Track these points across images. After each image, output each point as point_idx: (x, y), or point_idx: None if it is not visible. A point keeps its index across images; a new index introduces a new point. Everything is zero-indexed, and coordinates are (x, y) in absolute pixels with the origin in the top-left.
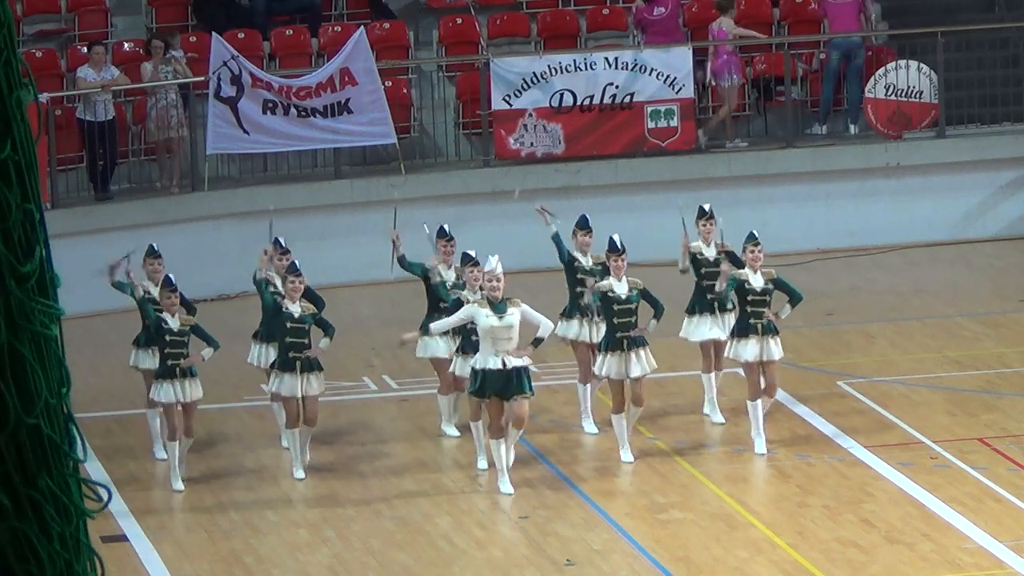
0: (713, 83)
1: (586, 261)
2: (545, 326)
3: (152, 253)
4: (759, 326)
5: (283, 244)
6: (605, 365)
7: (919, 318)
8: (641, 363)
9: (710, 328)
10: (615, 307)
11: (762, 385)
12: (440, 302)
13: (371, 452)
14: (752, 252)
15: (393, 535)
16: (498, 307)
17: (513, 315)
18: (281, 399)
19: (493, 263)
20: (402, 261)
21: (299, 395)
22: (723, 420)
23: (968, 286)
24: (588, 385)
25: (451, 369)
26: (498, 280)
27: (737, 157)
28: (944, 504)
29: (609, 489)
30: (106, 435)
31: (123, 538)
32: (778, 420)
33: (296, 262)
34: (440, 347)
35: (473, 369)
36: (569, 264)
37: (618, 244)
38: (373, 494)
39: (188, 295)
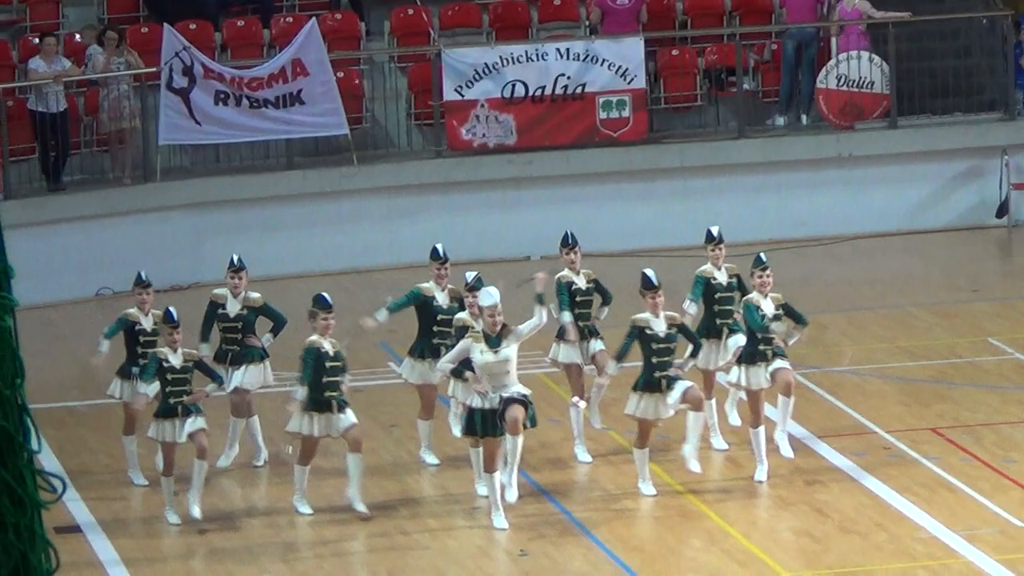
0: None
1: (580, 280)
2: (539, 320)
3: (140, 283)
4: (769, 352)
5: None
6: (640, 406)
7: (871, 308)
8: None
9: (712, 353)
10: (653, 346)
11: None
12: (433, 325)
13: (323, 443)
14: (760, 277)
15: (347, 525)
16: (492, 341)
17: (509, 348)
18: (302, 437)
19: (496, 297)
20: (391, 306)
21: (332, 434)
22: (726, 446)
23: (920, 276)
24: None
25: (450, 393)
26: (500, 315)
27: (688, 147)
28: (897, 494)
29: (562, 480)
30: (60, 426)
31: (77, 529)
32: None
33: (326, 295)
34: (427, 372)
35: (469, 408)
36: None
37: (653, 280)
38: (325, 484)
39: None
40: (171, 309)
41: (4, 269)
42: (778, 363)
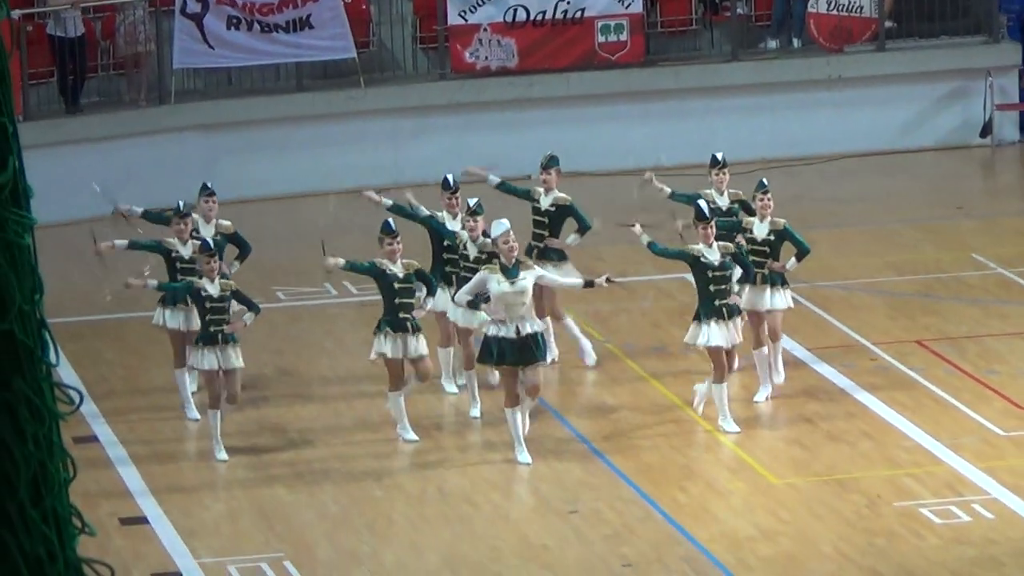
0: None
1: (545, 200)
2: (574, 283)
3: (179, 212)
4: (758, 276)
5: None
6: (707, 336)
7: (859, 225)
8: (739, 332)
9: None
10: (709, 274)
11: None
12: (443, 252)
13: (331, 352)
14: (762, 200)
15: (352, 434)
16: (511, 272)
17: (526, 279)
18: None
19: (506, 224)
20: (400, 210)
21: (410, 355)
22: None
23: (906, 194)
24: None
25: (451, 318)
26: (514, 242)
27: (684, 70)
28: (884, 404)
29: (562, 391)
30: (77, 340)
31: (94, 439)
32: None
33: (391, 221)
34: (440, 301)
35: (486, 336)
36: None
37: (705, 211)
38: (332, 394)
39: (154, 204)
40: (207, 239)
41: (23, 188)
42: (777, 301)
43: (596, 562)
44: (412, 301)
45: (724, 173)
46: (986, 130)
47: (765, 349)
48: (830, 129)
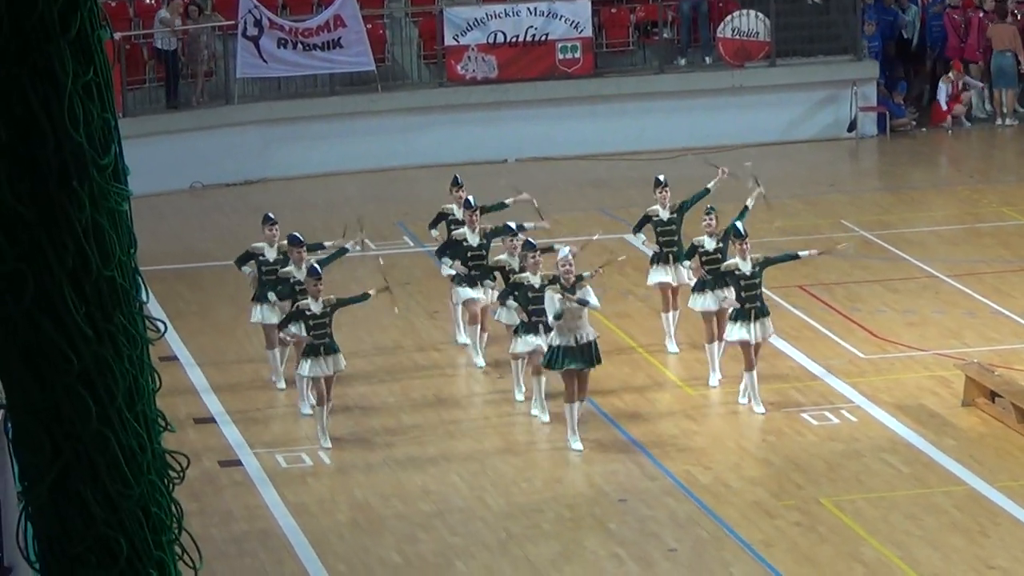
0: None
1: (458, 213)
2: (592, 304)
3: (293, 242)
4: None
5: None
6: (737, 333)
7: None
8: (765, 329)
9: (665, 274)
10: (742, 283)
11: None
12: (467, 261)
13: (353, 291)
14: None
15: (371, 355)
16: (568, 291)
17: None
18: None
19: (566, 251)
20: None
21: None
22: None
23: (792, 175)
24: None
25: (511, 349)
26: (571, 265)
27: (623, 80)
28: (773, 334)
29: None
30: (163, 283)
31: (175, 358)
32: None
33: (532, 240)
34: (472, 292)
35: (550, 347)
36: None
37: (742, 230)
38: (356, 322)
39: (224, 181)
40: (315, 264)
41: (122, 168)
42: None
43: (556, 453)
44: (542, 307)
45: (666, 191)
46: (852, 126)
47: (715, 345)
48: (734, 126)
